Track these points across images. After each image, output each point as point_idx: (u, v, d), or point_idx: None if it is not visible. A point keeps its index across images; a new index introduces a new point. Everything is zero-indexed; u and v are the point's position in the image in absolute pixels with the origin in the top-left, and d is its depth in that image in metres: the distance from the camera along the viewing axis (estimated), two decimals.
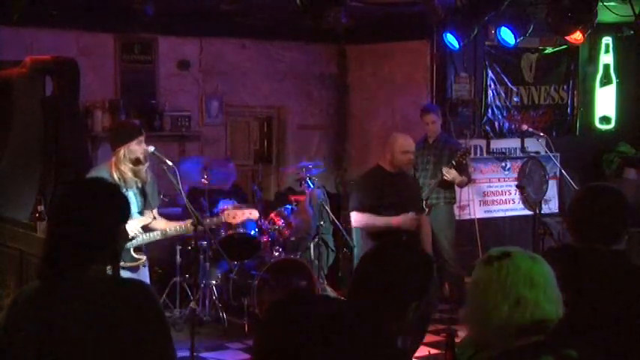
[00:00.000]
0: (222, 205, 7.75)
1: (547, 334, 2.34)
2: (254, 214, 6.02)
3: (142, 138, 5.29)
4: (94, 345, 2.39)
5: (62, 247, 2.46)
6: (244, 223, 7.43)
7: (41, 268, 2.50)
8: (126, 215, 2.62)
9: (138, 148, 5.24)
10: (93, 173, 5.24)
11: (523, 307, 2.28)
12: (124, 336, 2.41)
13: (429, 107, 8.05)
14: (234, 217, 5.92)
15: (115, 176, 5.13)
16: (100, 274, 2.51)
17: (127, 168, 5.21)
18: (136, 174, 5.27)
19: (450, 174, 7.26)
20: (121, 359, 2.41)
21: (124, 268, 4.82)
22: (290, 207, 8.17)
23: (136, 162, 5.24)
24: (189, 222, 5.52)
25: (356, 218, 6.16)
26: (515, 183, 8.35)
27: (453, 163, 7.31)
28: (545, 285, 2.33)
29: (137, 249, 5.33)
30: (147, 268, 5.50)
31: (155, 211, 5.53)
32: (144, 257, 5.40)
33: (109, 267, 2.57)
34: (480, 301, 2.35)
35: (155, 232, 5.43)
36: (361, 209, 6.09)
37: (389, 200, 6.05)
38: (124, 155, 5.22)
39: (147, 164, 5.32)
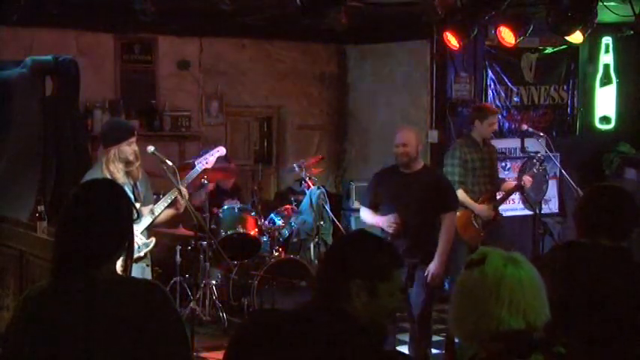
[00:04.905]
0: (226, 205, 7.82)
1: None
2: (221, 150, 6.11)
3: (132, 139, 5.29)
4: (106, 345, 2.39)
5: (74, 250, 2.46)
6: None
7: (54, 268, 2.50)
8: (133, 213, 2.63)
9: (128, 149, 5.24)
10: (87, 176, 5.22)
11: (515, 311, 2.26)
12: (138, 336, 2.40)
13: (495, 108, 7.66)
14: (207, 163, 5.98)
15: (107, 176, 5.13)
16: (112, 273, 2.51)
17: (117, 168, 5.22)
18: (127, 173, 5.28)
19: (528, 182, 7.14)
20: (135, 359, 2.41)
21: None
22: (290, 207, 8.17)
23: (127, 162, 5.25)
24: (174, 190, 5.49)
25: (361, 212, 6.18)
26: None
27: (534, 171, 7.14)
28: (533, 286, 2.31)
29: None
30: (149, 268, 5.51)
31: (151, 207, 5.52)
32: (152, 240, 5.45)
33: (120, 264, 2.58)
34: (468, 307, 2.33)
35: (145, 218, 5.40)
36: (365, 204, 6.07)
37: (386, 198, 5.89)
38: (115, 155, 5.23)
39: (138, 163, 5.32)
